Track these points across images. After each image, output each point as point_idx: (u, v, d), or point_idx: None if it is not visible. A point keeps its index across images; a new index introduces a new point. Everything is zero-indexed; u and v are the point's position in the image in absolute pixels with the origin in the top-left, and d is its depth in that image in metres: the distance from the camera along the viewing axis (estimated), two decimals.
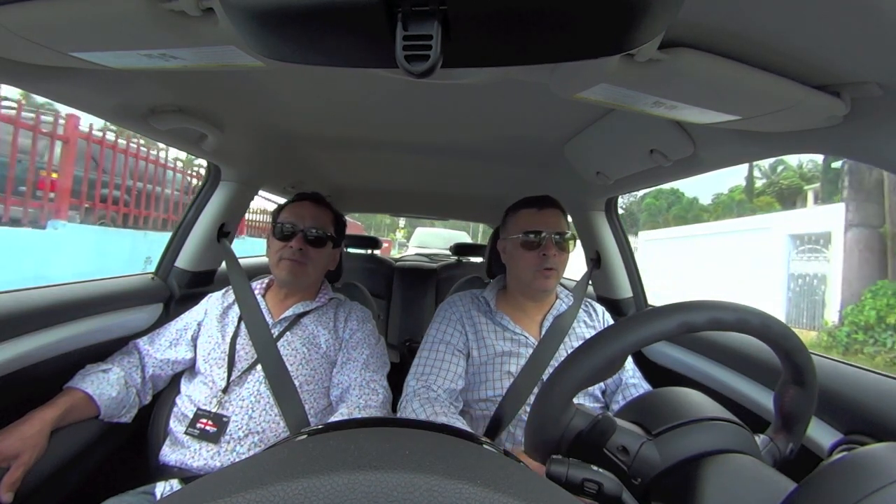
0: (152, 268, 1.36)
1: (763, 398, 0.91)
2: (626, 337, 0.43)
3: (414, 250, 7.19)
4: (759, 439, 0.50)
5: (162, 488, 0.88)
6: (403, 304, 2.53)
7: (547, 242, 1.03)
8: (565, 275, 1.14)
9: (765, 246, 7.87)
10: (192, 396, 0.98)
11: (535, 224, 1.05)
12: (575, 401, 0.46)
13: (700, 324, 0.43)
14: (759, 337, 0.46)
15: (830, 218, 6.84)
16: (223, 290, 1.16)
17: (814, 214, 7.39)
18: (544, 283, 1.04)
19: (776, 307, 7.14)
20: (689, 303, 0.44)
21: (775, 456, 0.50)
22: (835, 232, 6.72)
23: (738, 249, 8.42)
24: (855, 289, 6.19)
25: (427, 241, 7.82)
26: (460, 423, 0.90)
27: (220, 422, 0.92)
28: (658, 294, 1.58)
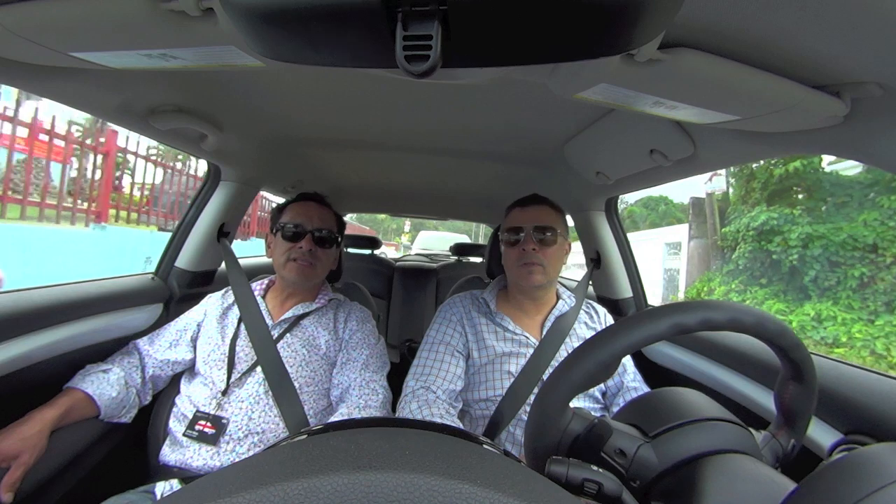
0: (152, 268, 1.37)
1: (763, 398, 0.91)
2: (618, 341, 0.43)
3: (417, 251, 7.37)
4: (761, 436, 0.50)
5: (162, 488, 0.88)
6: (404, 304, 2.53)
7: (526, 238, 1.03)
8: (565, 275, 1.14)
9: (654, 250, 11.70)
10: (192, 397, 0.98)
11: (517, 221, 1.07)
12: (575, 402, 0.46)
13: (692, 325, 0.43)
14: (754, 335, 0.45)
15: (682, 232, 10.67)
16: (223, 291, 1.16)
17: (676, 230, 11.21)
18: (528, 278, 1.04)
19: (657, 289, 10.95)
20: (680, 304, 0.44)
21: (777, 453, 0.50)
22: (683, 241, 10.45)
23: (641, 252, 12.17)
24: (693, 277, 9.81)
25: (430, 244, 8.03)
26: (457, 426, 0.90)
27: (219, 424, 0.92)
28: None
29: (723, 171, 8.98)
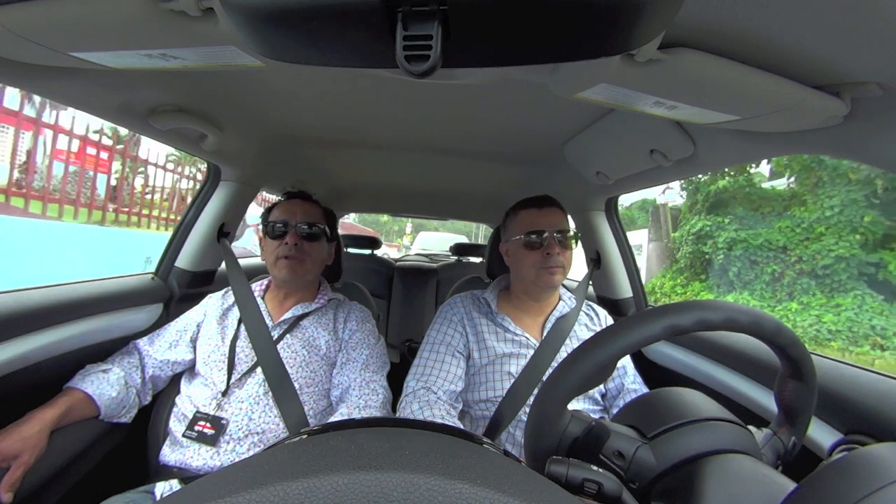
0: (152, 268, 1.36)
1: (764, 397, 0.91)
2: (614, 343, 0.43)
3: (416, 251, 7.59)
4: (763, 433, 0.50)
5: (162, 488, 0.88)
6: (403, 304, 2.53)
7: (549, 241, 1.03)
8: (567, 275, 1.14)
9: None
10: (192, 397, 0.98)
11: (537, 224, 1.05)
12: (575, 404, 0.46)
13: (687, 325, 0.43)
14: (750, 334, 0.45)
15: (643, 236, 11.83)
16: (223, 292, 1.15)
17: (639, 234, 12.10)
18: (550, 279, 1.03)
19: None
20: (676, 305, 0.44)
21: (779, 451, 0.50)
22: (644, 244, 11.68)
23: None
24: (651, 274, 10.89)
25: (429, 244, 8.32)
26: (457, 426, 0.90)
27: (219, 424, 0.92)
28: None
29: (675, 185, 10.20)
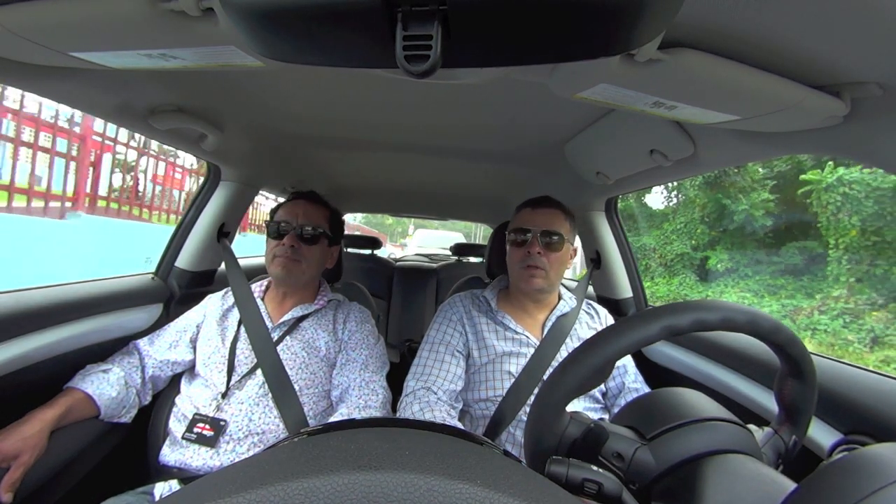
0: (152, 268, 1.36)
1: (764, 397, 0.91)
2: (611, 345, 0.43)
3: (415, 249, 8.08)
4: (764, 432, 0.50)
5: (161, 489, 0.88)
6: (403, 304, 2.53)
7: (532, 240, 1.03)
8: (567, 275, 1.14)
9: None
10: (192, 398, 0.98)
11: (525, 222, 1.06)
12: (576, 403, 0.46)
13: (684, 326, 0.43)
14: (748, 333, 0.45)
15: (577, 241, 15.40)
16: (222, 292, 1.15)
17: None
18: (529, 281, 1.04)
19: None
20: (673, 305, 0.44)
21: (779, 449, 0.49)
22: (579, 246, 15.07)
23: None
24: (579, 268, 14.83)
25: (427, 241, 8.90)
26: (457, 426, 0.90)
27: (218, 426, 0.92)
28: None
29: None
